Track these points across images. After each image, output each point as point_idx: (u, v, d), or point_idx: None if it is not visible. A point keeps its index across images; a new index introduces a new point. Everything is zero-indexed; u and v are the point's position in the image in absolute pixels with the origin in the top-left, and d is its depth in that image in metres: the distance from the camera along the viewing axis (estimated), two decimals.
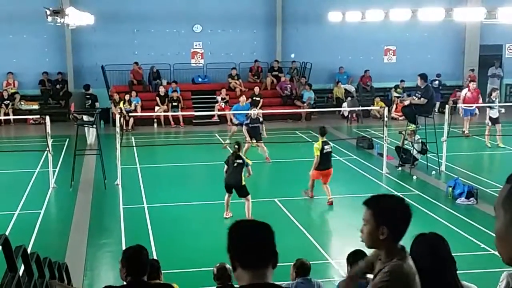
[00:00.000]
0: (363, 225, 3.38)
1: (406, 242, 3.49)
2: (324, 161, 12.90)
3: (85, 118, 18.35)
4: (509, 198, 1.79)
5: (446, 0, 26.20)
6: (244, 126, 17.92)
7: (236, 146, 12.12)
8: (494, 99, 19.08)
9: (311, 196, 13.31)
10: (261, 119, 17.94)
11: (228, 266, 6.63)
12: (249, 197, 11.82)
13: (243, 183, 11.80)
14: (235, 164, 11.80)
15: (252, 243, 2.57)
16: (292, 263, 6.74)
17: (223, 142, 19.18)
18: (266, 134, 18.26)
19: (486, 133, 18.93)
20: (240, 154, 12.10)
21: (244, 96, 21.14)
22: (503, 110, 20.18)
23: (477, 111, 21.03)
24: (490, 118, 18.90)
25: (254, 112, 17.97)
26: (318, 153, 12.82)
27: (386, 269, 3.32)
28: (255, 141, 17.48)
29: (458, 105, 21.01)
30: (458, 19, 19.79)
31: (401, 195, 3.49)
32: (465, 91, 20.61)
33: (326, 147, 12.93)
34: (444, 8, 18.75)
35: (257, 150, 17.45)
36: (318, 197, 13.54)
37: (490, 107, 19.03)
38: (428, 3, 22.09)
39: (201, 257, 10.13)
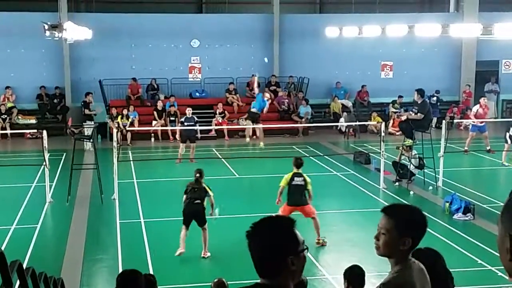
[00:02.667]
0: (380, 233, 3.31)
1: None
2: (293, 194, 11.34)
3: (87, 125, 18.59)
4: (505, 211, 1.85)
5: (443, 16, 26.44)
6: (179, 126, 19.00)
7: (198, 175, 11.00)
8: None
9: None
10: (195, 119, 19.22)
11: (226, 281, 6.61)
12: (206, 226, 10.90)
13: (214, 213, 11.01)
14: (195, 190, 10.87)
15: None
16: None
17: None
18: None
19: (505, 149, 18.30)
20: (201, 181, 10.99)
21: (267, 93, 21.98)
22: None
23: (486, 128, 19.98)
24: (510, 137, 18.22)
25: (189, 110, 19.42)
26: (284, 184, 11.35)
27: (383, 280, 3.33)
28: (189, 142, 18.71)
29: (463, 121, 20.56)
30: (454, 35, 19.88)
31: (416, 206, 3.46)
32: (476, 107, 20.11)
33: (296, 178, 11.35)
34: (441, 24, 18.83)
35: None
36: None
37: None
38: (425, 19, 22.26)
39: (198, 273, 10.10)
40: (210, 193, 10.95)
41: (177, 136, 19.14)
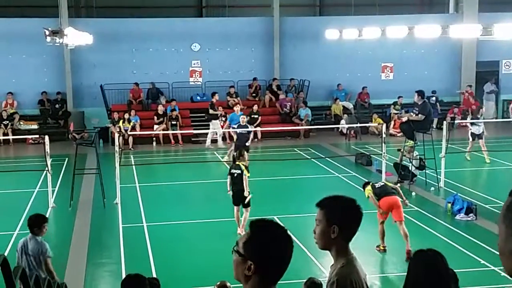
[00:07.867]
0: (316, 225, 3.44)
1: (404, 258, 3.51)
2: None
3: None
4: (506, 212, 1.81)
5: (442, 17, 26.47)
6: (232, 131, 18.16)
7: (236, 153, 12.16)
8: (479, 116, 18.96)
9: None
10: (249, 128, 18.16)
11: (229, 284, 6.63)
12: (249, 209, 11.93)
13: (246, 193, 11.80)
14: (235, 175, 11.83)
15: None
16: (297, 281, 6.75)
17: (222, 160, 19.19)
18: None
19: (468, 148, 18.88)
20: (239, 164, 11.88)
21: (238, 105, 21.21)
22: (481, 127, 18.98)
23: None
24: (472, 134, 18.80)
25: (243, 118, 18.17)
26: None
27: (334, 277, 3.39)
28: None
29: (464, 121, 20.78)
30: (454, 36, 19.90)
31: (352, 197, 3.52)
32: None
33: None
34: (440, 25, 18.85)
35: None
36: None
37: (472, 123, 18.99)
38: (425, 20, 22.28)
39: (201, 275, 10.12)
40: (245, 173, 11.76)
41: (233, 135, 18.11)
